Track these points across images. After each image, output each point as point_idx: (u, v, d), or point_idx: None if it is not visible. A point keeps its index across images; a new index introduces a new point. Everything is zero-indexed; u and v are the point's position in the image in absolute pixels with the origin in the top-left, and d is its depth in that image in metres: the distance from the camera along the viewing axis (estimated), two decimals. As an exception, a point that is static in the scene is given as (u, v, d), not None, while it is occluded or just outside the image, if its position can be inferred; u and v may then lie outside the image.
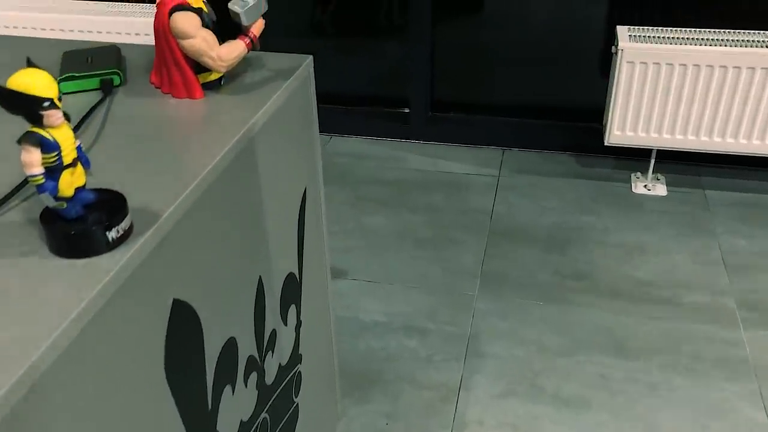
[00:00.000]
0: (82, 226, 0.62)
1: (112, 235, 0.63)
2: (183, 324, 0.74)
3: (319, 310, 1.22)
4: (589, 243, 1.96)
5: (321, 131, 2.55)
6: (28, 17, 2.11)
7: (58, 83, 0.93)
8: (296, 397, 1.14)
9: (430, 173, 2.30)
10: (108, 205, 0.65)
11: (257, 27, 0.93)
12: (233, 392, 0.89)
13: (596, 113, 2.35)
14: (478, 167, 2.33)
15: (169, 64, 0.90)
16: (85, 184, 0.64)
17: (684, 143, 2.05)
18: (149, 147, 0.80)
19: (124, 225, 0.64)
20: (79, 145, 0.64)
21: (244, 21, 0.90)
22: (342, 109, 2.59)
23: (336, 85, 2.57)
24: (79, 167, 0.63)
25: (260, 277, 0.94)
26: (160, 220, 0.67)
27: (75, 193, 0.63)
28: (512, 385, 1.53)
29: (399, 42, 2.44)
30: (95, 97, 0.92)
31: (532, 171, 2.30)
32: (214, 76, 0.93)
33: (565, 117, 2.43)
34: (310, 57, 1.04)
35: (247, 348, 0.92)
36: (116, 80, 0.95)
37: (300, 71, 1.01)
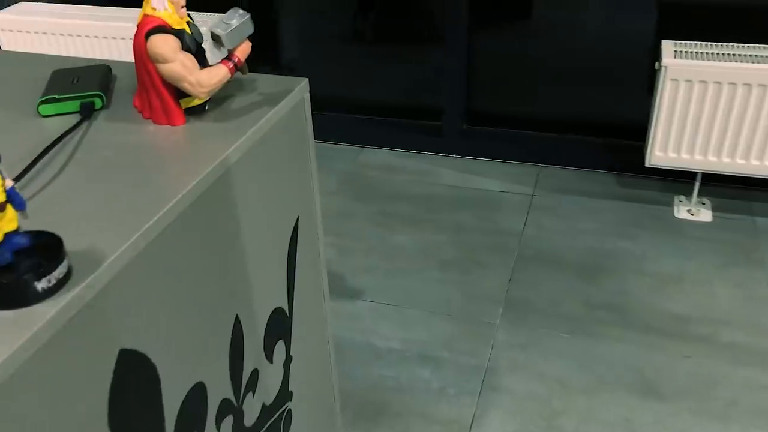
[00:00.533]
0: (9, 276, 0.58)
1: (42, 285, 0.58)
2: (133, 375, 0.69)
3: (316, 343, 1.16)
4: (624, 271, 1.85)
5: (352, 142, 2.50)
6: (63, 23, 2.12)
7: (38, 105, 0.90)
8: (285, 435, 1.09)
9: (461, 189, 2.22)
10: (43, 251, 0.60)
11: (242, 50, 0.87)
12: (202, 439, 0.84)
13: (641, 131, 2.22)
14: (512, 184, 2.24)
15: (148, 89, 0.86)
16: (17, 228, 0.59)
17: (731, 167, 1.91)
18: (111, 180, 0.75)
19: (58, 273, 0.59)
20: (11, 187, 0.59)
21: (227, 44, 0.85)
22: (374, 119, 2.53)
23: (370, 94, 2.51)
24: (10, 210, 0.59)
25: (237, 315, 0.88)
26: (103, 265, 0.62)
27: (4, 238, 0.58)
28: (527, 424, 1.44)
29: (435, 50, 2.36)
30: (74, 121, 0.88)
31: (569, 190, 2.19)
32: (197, 102, 0.88)
33: (607, 134, 2.32)
34: (305, 80, 0.98)
35: (219, 391, 0.87)
36: (97, 103, 0.91)
37: (292, 96, 0.95)
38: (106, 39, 2.04)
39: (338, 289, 1.82)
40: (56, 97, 0.90)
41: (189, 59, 0.83)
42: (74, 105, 0.90)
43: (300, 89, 0.97)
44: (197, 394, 0.82)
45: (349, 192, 2.23)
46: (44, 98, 0.90)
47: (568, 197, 2.16)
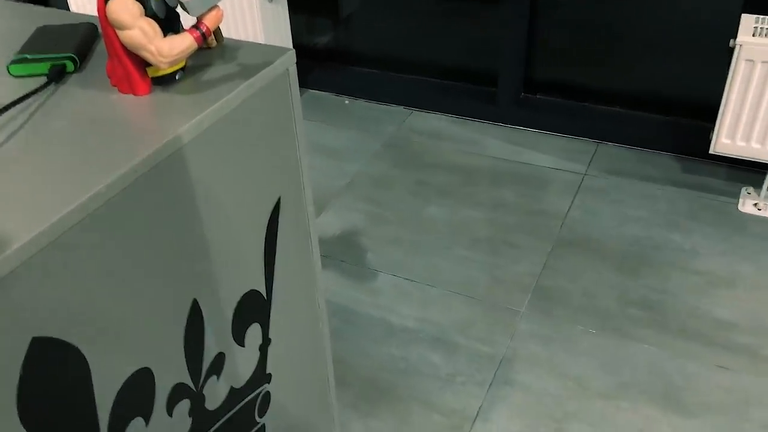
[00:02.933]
0: None
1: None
2: (52, 364, 0.66)
3: (304, 326, 1.11)
4: (669, 266, 1.71)
5: (403, 104, 2.40)
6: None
7: (8, 66, 0.87)
8: (261, 417, 1.05)
9: (508, 163, 2.10)
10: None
11: (212, 18, 0.80)
12: (147, 423, 0.81)
13: (712, 112, 2.03)
14: (564, 161, 2.10)
15: (112, 56, 0.81)
16: None
17: (807, 162, 1.71)
18: (50, 153, 0.71)
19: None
20: None
21: (191, 12, 0.79)
22: (427, 81, 2.42)
23: (425, 53, 2.40)
24: None
25: (195, 299, 0.84)
26: (8, 251, 0.59)
27: None
28: (534, 425, 1.36)
29: (497, 8, 2.21)
30: (39, 83, 0.84)
31: (624, 171, 2.04)
32: (168, 70, 0.82)
33: (674, 112, 2.13)
34: (291, 51, 0.91)
35: (171, 377, 0.83)
36: (69, 66, 0.87)
37: (271, 68, 0.87)
38: None
39: (362, 261, 1.77)
40: (27, 57, 0.86)
41: (150, 26, 0.77)
42: (44, 67, 0.86)
43: (283, 61, 0.89)
44: (140, 380, 0.79)
45: (391, 157, 2.16)
46: (16, 58, 0.87)
47: (621, 179, 2.01)
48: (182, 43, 0.79)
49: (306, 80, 2.54)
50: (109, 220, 0.68)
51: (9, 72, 0.86)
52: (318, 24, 2.53)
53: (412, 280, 1.70)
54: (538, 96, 2.31)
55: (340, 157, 2.17)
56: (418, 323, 1.59)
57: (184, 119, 0.77)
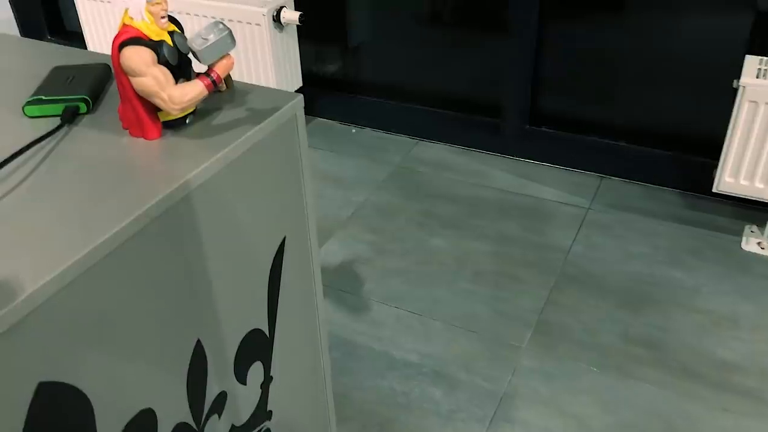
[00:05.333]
0: None
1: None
2: (57, 407, 0.66)
3: (306, 363, 1.12)
4: (672, 304, 1.71)
5: (409, 133, 2.43)
6: None
7: (24, 106, 0.89)
8: (260, 455, 1.06)
9: (512, 195, 2.12)
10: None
11: (223, 66, 0.82)
12: (148, 464, 0.82)
13: (716, 149, 2.04)
14: (568, 194, 2.11)
15: (124, 100, 0.83)
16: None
17: (811, 202, 1.72)
18: (60, 198, 0.73)
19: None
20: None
21: (203, 60, 0.81)
22: (432, 111, 2.45)
23: (432, 83, 2.42)
24: None
25: (199, 340, 0.85)
26: (18, 299, 0.60)
27: None
28: (535, 464, 1.36)
29: (503, 39, 2.23)
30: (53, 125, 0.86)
31: (628, 206, 2.05)
32: (178, 115, 0.84)
33: (679, 148, 2.14)
34: (299, 97, 0.92)
35: (174, 417, 0.84)
36: (82, 108, 0.88)
37: (280, 113, 0.89)
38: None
39: (365, 292, 1.78)
40: (42, 98, 0.88)
41: (163, 74, 0.79)
42: (58, 108, 0.88)
43: (291, 106, 0.91)
44: (143, 420, 0.79)
45: (396, 187, 2.17)
46: (31, 98, 0.89)
47: (625, 214, 2.02)
48: (193, 91, 0.81)
49: (314, 108, 2.57)
50: (117, 265, 0.69)
51: (24, 113, 0.88)
52: (327, 53, 2.56)
53: (414, 313, 1.71)
54: (543, 128, 2.32)
55: (345, 186, 2.19)
56: (420, 357, 1.59)
57: (193, 165, 0.78)
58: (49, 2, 3.06)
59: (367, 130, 2.49)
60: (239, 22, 2.15)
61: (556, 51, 2.19)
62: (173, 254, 0.77)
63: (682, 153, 2.14)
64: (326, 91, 2.59)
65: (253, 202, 0.89)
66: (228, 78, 0.91)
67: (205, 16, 2.18)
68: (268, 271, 0.96)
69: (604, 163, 2.19)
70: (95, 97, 0.91)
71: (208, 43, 0.80)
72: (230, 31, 0.81)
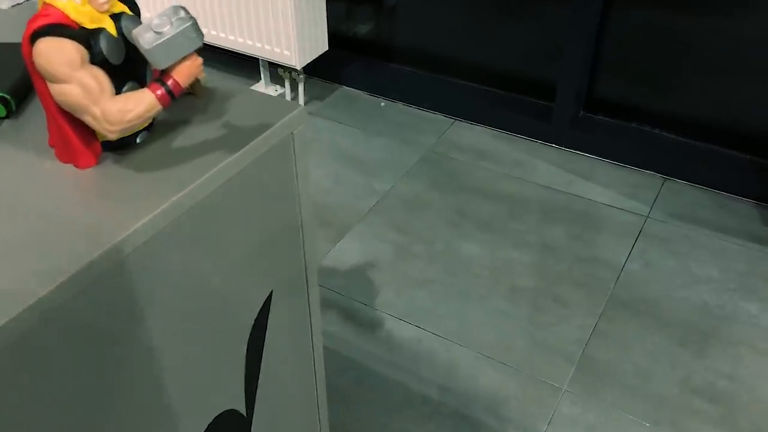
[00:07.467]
0: None
1: None
2: None
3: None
4: (742, 345, 1.45)
5: (445, 111, 2.15)
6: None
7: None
8: None
9: (559, 194, 1.84)
10: None
11: (184, 71, 0.56)
12: None
13: (804, 156, 1.74)
14: (624, 198, 1.83)
15: (46, 111, 0.58)
16: None
17: None
18: None
19: None
20: None
21: (156, 62, 0.55)
22: (474, 88, 2.16)
23: (475, 55, 2.13)
24: None
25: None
26: None
27: None
28: None
29: (562, 12, 1.92)
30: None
31: (694, 217, 1.77)
32: (116, 137, 0.59)
33: (759, 151, 1.84)
34: (301, 107, 0.67)
35: None
36: (0, 111, 0.64)
37: (271, 132, 0.64)
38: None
39: (382, 304, 1.54)
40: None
41: (95, 80, 0.54)
42: (-40, 112, 0.63)
43: (288, 121, 0.65)
44: None
45: (426, 176, 1.91)
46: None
47: (690, 227, 1.74)
48: (138, 106, 0.55)
49: (339, 75, 2.29)
50: (24, 350, 0.46)
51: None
52: (358, 12, 2.27)
53: (438, 335, 1.47)
54: (599, 116, 2.03)
55: (368, 170, 1.93)
56: (441, 393, 1.36)
57: (138, 214, 0.54)
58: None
59: (398, 104, 2.21)
60: (259, -26, 1.87)
61: (622, 28, 1.88)
62: (96, 337, 0.53)
63: (761, 157, 1.83)
64: (354, 56, 2.31)
65: (226, 255, 0.65)
66: (197, 84, 0.65)
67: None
68: (247, 338, 0.73)
69: (668, 162, 1.90)
70: (21, 95, 0.67)
71: (162, 39, 0.54)
72: (195, 21, 0.55)
